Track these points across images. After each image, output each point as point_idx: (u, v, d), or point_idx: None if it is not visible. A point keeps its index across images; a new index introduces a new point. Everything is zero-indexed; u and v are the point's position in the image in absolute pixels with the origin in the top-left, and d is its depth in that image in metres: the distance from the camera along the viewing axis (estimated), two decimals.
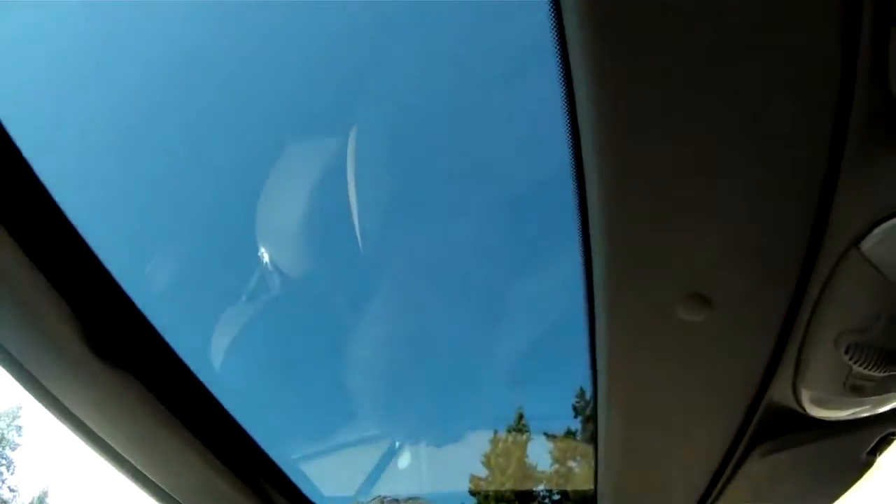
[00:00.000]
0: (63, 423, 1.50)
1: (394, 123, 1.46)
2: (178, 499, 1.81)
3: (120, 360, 1.34)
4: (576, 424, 1.72)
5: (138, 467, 1.66)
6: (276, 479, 1.93)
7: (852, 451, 1.43)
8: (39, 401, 1.44)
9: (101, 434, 1.53)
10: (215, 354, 1.70)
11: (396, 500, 1.19)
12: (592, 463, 1.70)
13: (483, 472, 2.31)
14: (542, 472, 2.30)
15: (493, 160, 1.47)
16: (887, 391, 1.13)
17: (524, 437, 2.19)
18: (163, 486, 1.75)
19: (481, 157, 1.48)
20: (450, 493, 2.24)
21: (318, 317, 1.80)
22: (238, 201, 1.55)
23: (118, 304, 1.34)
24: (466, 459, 2.24)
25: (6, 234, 1.10)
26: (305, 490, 2.02)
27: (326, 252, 1.66)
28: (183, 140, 1.41)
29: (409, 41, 1.44)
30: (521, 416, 2.12)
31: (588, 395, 1.45)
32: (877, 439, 1.40)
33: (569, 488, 1.98)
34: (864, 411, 1.25)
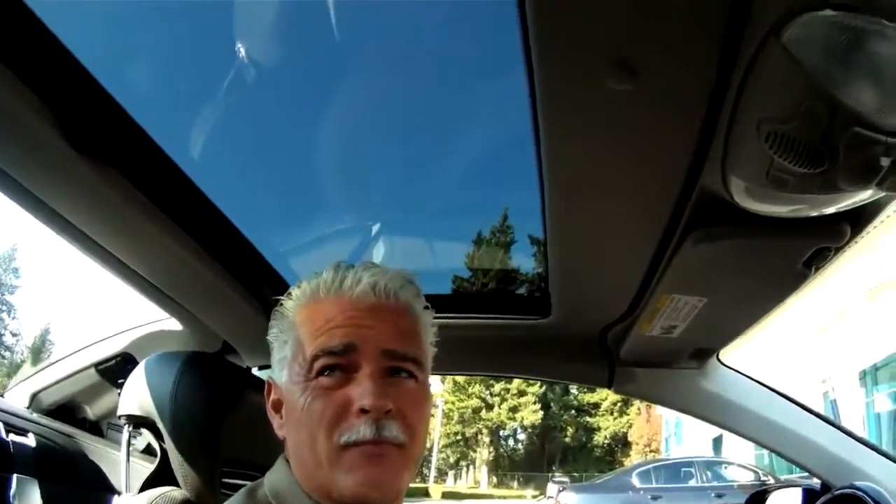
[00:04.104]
0: (47, 224, 1.57)
1: None
2: (161, 287, 1.91)
3: (101, 155, 1.40)
4: None
5: (124, 260, 1.75)
6: (254, 263, 2.02)
7: (787, 257, 1.50)
8: (21, 204, 1.50)
9: (83, 228, 1.61)
10: (195, 142, 1.73)
11: (352, 266, 1.27)
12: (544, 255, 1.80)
13: (464, 272, 2.41)
14: (525, 275, 2.40)
15: None
16: (810, 191, 1.18)
17: (507, 238, 2.28)
18: (146, 275, 1.84)
19: None
20: (428, 272, 2.33)
21: (295, 105, 1.83)
22: None
23: (95, 98, 1.37)
24: (446, 245, 2.35)
25: None
26: (283, 272, 2.13)
27: (303, 39, 1.68)
28: None
29: None
30: (505, 217, 2.19)
31: None
32: (812, 250, 1.47)
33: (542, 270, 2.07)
34: (794, 213, 1.31)
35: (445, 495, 38.68)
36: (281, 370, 1.27)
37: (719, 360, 2.40)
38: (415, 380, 1.22)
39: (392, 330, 1.21)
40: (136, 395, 1.67)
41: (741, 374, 2.45)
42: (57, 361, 2.61)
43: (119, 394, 1.77)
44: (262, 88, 1.74)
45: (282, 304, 1.30)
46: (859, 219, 1.41)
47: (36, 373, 2.60)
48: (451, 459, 57.28)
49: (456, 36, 1.63)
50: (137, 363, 1.88)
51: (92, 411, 2.67)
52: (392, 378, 1.19)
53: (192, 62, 1.70)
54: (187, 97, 1.73)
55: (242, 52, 1.60)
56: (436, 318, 1.34)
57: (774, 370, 14.64)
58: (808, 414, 2.39)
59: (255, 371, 2.47)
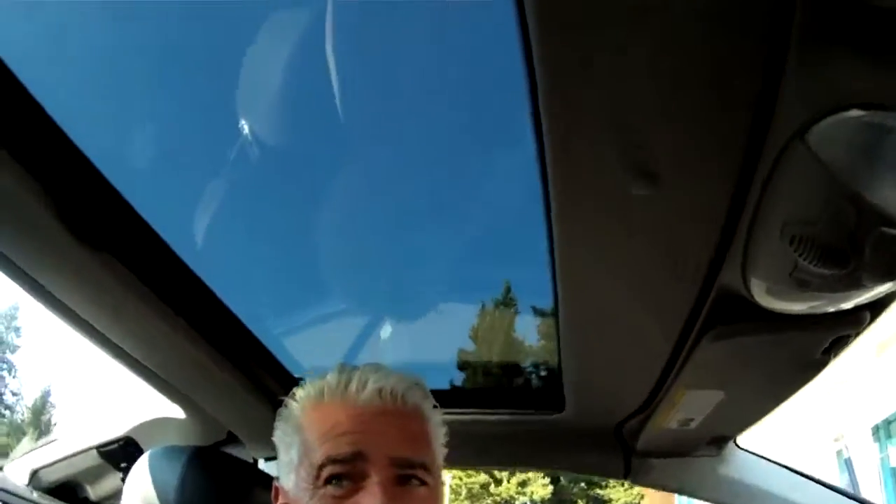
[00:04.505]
0: (45, 305, 1.54)
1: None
2: (163, 376, 1.88)
3: (99, 242, 1.37)
4: None
5: (124, 348, 1.72)
6: (257, 353, 1.99)
7: (806, 348, 1.46)
8: (22, 286, 1.48)
9: (83, 315, 1.58)
10: (196, 231, 1.72)
11: (356, 368, 1.24)
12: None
13: (470, 346, 2.37)
14: (530, 347, 2.36)
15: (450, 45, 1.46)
16: (833, 290, 1.15)
17: (511, 311, 2.24)
18: (147, 364, 1.81)
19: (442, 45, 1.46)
20: (435, 364, 2.29)
21: (296, 190, 1.81)
22: (215, 74, 1.53)
23: (93, 184, 1.36)
24: (453, 333, 2.30)
25: None
26: (286, 363, 2.09)
27: (305, 123, 1.66)
28: (156, 9, 1.38)
29: None
30: (508, 290, 2.16)
31: None
32: (831, 339, 1.42)
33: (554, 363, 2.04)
34: (814, 308, 1.28)
35: None
36: (287, 474, 1.22)
37: (737, 444, 2.34)
38: (426, 486, 1.18)
39: (400, 436, 1.17)
40: (140, 489, 1.64)
41: (760, 456, 2.40)
42: (58, 440, 2.58)
43: (122, 478, 1.74)
44: (263, 176, 1.73)
45: (286, 406, 1.26)
46: (879, 305, 1.35)
47: (36, 449, 2.57)
48: None
49: (465, 124, 1.61)
50: (140, 448, 1.85)
51: (93, 492, 2.62)
52: (402, 487, 1.15)
53: (191, 151, 1.69)
54: (189, 187, 1.72)
55: (243, 136, 1.58)
56: (445, 413, 1.30)
57: (786, 433, 14.50)
58: (830, 492, 2.33)
59: (261, 463, 2.41)
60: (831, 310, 1.28)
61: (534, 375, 2.37)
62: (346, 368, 1.23)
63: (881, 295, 1.22)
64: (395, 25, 1.41)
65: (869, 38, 0.80)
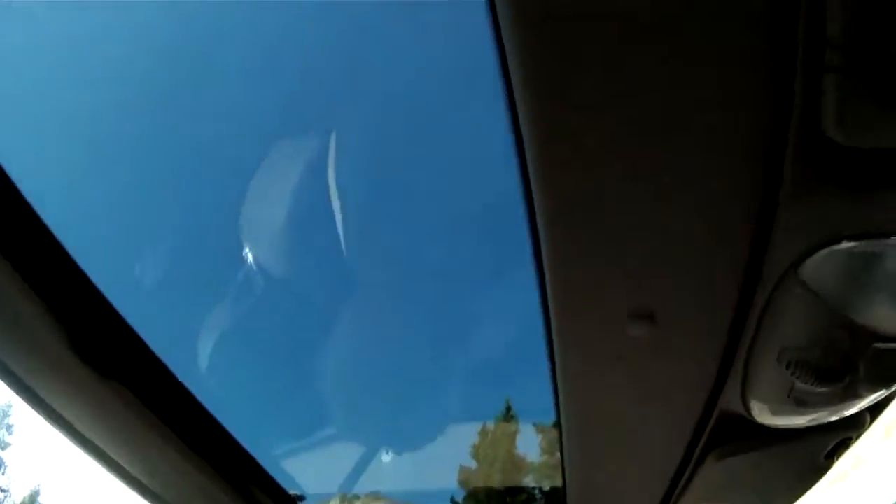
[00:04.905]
0: (52, 425, 1.54)
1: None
2: (165, 498, 1.86)
3: (107, 369, 1.39)
4: None
5: (127, 468, 1.71)
6: (261, 480, 1.97)
7: (808, 455, 1.46)
8: (30, 405, 1.48)
9: (88, 436, 1.57)
10: (200, 359, 1.73)
11: (357, 496, 1.23)
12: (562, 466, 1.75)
13: (471, 464, 2.34)
14: (531, 463, 2.34)
15: (452, 194, 1.48)
16: (831, 405, 1.16)
17: (512, 428, 2.23)
18: (150, 486, 1.80)
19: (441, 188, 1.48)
20: (437, 490, 2.27)
21: (299, 319, 1.82)
22: (220, 208, 1.55)
23: (103, 313, 1.38)
24: (454, 451, 2.28)
25: None
26: (287, 487, 2.07)
27: (308, 255, 1.68)
28: (162, 143, 1.41)
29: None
30: (508, 408, 2.15)
31: None
32: (833, 444, 1.43)
33: (558, 481, 2.02)
34: (814, 421, 1.29)
35: None
36: None
37: None
38: None
39: None
40: None
41: None
42: None
43: None
44: (265, 307, 1.73)
45: None
46: (879, 406, 1.36)
47: None
48: None
49: (466, 254, 1.63)
50: None
51: None
52: None
53: (196, 283, 1.70)
54: (193, 318, 1.73)
55: (246, 268, 1.59)
56: None
57: None
58: None
59: None
60: (832, 419, 1.28)
61: (538, 497, 2.34)
62: (348, 498, 1.23)
63: (880, 399, 1.23)
64: (397, 156, 1.43)
65: (853, 174, 0.83)
